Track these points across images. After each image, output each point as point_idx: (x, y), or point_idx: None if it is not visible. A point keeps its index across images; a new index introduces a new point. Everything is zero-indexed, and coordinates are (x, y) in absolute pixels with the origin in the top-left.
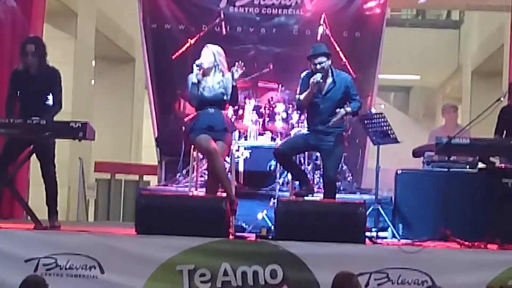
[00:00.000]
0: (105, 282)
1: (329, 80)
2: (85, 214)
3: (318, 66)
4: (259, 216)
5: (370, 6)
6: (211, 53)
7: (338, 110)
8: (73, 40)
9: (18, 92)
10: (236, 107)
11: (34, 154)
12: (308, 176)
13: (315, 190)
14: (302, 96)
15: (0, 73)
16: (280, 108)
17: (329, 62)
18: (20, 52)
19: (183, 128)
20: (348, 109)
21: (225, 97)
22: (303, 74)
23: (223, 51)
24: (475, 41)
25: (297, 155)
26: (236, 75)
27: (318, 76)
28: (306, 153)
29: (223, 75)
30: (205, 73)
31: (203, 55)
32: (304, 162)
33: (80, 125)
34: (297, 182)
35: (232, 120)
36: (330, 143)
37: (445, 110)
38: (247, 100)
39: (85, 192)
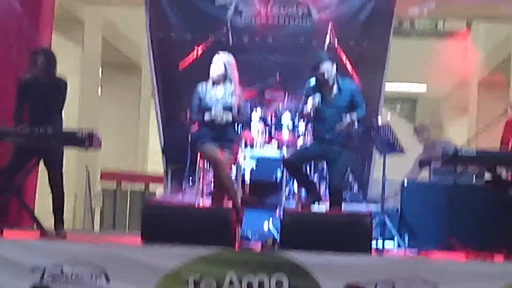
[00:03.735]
0: None
1: (335, 88)
2: (91, 223)
3: (326, 75)
4: (265, 226)
5: (377, 16)
6: (222, 64)
7: (343, 117)
8: (80, 48)
9: (26, 102)
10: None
11: (42, 163)
12: (318, 184)
13: (323, 199)
14: (305, 111)
15: (6, 81)
16: (286, 117)
17: (334, 69)
18: (29, 62)
19: (190, 137)
20: (353, 116)
21: (232, 109)
22: (307, 85)
23: (233, 60)
24: (482, 51)
25: (305, 165)
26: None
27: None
28: (313, 163)
29: (232, 86)
30: (215, 83)
31: (214, 64)
32: (310, 172)
33: (87, 134)
34: (303, 192)
35: (238, 130)
36: (336, 152)
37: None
38: (254, 110)
39: (91, 201)
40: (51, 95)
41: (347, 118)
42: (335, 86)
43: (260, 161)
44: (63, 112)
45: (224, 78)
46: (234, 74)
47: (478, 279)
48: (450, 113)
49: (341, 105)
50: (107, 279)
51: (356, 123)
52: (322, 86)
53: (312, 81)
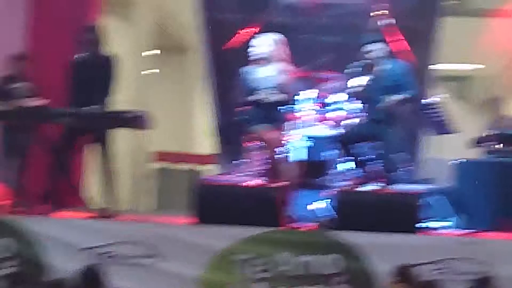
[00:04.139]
0: (163, 271)
1: (386, 67)
2: (144, 203)
3: (367, 55)
4: (318, 205)
5: None
6: (269, 44)
7: (394, 96)
8: (132, 29)
9: (76, 81)
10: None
11: (92, 143)
12: (369, 164)
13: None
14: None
15: (56, 62)
16: (339, 97)
17: (383, 49)
18: (78, 40)
19: (240, 118)
20: (405, 95)
21: (281, 89)
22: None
23: (283, 39)
24: None
25: (358, 144)
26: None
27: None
28: (365, 142)
29: (280, 66)
30: (260, 63)
31: (261, 45)
32: (364, 152)
33: (137, 114)
34: (355, 172)
35: (290, 109)
36: (387, 132)
37: (490, 103)
38: (306, 89)
39: (146, 181)
40: (99, 73)
41: (392, 97)
42: (384, 67)
43: (312, 140)
44: (113, 90)
45: (272, 58)
46: (283, 53)
47: None
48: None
49: (390, 85)
50: (160, 259)
51: (406, 102)
52: (370, 67)
53: (360, 62)
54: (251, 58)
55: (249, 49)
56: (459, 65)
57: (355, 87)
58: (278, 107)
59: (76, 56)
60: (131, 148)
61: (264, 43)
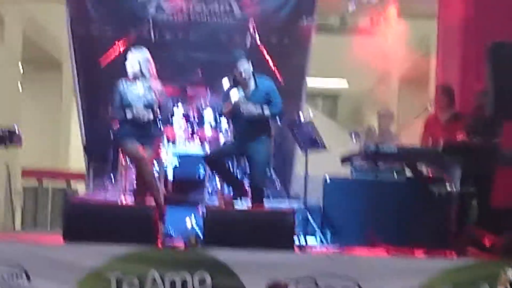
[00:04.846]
0: None
1: (252, 85)
2: (11, 221)
3: (243, 74)
4: (188, 223)
5: (298, 12)
6: (136, 60)
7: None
8: (0, 45)
9: None
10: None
11: None
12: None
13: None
14: (224, 109)
15: None
16: (209, 114)
17: (251, 66)
18: None
19: (111, 134)
20: (266, 111)
21: (154, 106)
22: (224, 83)
23: (149, 56)
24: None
25: (227, 162)
26: None
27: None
28: (235, 159)
29: (150, 82)
30: (134, 80)
31: (128, 61)
32: (233, 169)
33: (7, 131)
34: (226, 189)
35: (160, 126)
36: (256, 148)
37: (381, 116)
38: (175, 106)
39: (12, 199)
40: None
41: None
42: (252, 83)
43: (182, 158)
44: None
45: (140, 74)
46: (151, 70)
47: (399, 275)
48: (371, 109)
49: (258, 101)
50: (28, 278)
51: (272, 118)
52: (239, 83)
53: (228, 79)
54: (125, 74)
55: (122, 65)
56: (328, 82)
57: (225, 104)
58: (150, 124)
59: None
60: None
61: (135, 60)
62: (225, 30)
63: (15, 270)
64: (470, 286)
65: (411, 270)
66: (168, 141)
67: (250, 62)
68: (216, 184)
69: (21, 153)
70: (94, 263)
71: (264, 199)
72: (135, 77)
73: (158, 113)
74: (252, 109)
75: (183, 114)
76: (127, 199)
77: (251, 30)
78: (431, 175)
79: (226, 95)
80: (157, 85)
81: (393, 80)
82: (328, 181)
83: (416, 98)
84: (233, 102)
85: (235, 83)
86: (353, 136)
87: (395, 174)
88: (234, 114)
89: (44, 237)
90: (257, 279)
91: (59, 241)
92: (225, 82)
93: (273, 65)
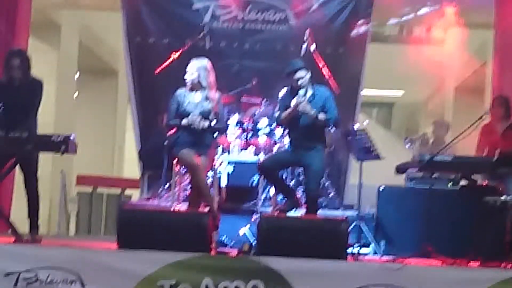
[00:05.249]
0: None
1: (309, 94)
2: (66, 227)
3: (300, 82)
4: (242, 231)
5: (354, 21)
6: (195, 69)
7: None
8: (57, 52)
9: (1, 104)
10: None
11: (18, 167)
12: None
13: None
14: (283, 115)
15: None
16: (263, 123)
17: (308, 75)
18: (4, 64)
19: (166, 142)
20: (322, 116)
21: (210, 115)
22: (281, 93)
23: (210, 65)
24: (459, 57)
25: (281, 171)
26: None
27: (301, 95)
28: (289, 168)
29: (207, 90)
30: (192, 89)
31: (188, 70)
32: (287, 178)
33: (62, 138)
34: (280, 197)
35: (216, 135)
36: (312, 158)
37: (437, 125)
38: (230, 115)
39: (66, 205)
40: (27, 96)
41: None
42: (309, 93)
43: (237, 166)
44: (38, 114)
45: (199, 84)
46: (210, 79)
47: (454, 286)
48: (426, 118)
49: (315, 109)
50: (82, 285)
51: (328, 126)
52: (295, 92)
53: (286, 89)
54: (180, 82)
55: (178, 73)
56: (383, 92)
57: (280, 115)
58: (206, 133)
59: (1, 78)
60: (55, 172)
61: (194, 68)
62: (280, 38)
63: (70, 276)
64: None
65: (467, 281)
66: (223, 149)
67: (308, 71)
68: (270, 193)
69: (76, 160)
70: (148, 270)
71: (318, 209)
72: (194, 86)
73: (214, 121)
74: (309, 109)
75: (238, 122)
76: (181, 207)
77: (307, 38)
78: (485, 185)
79: (283, 104)
80: (214, 94)
81: (449, 89)
82: (382, 190)
83: (471, 108)
84: (293, 104)
85: (292, 92)
86: (406, 142)
87: (449, 183)
88: (291, 122)
89: (98, 243)
90: (310, 287)
91: (113, 247)
92: (282, 91)
93: (328, 74)
